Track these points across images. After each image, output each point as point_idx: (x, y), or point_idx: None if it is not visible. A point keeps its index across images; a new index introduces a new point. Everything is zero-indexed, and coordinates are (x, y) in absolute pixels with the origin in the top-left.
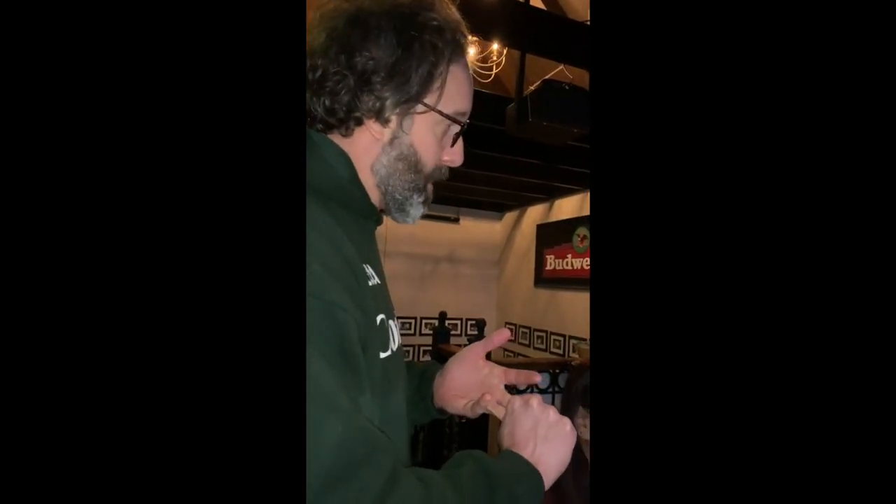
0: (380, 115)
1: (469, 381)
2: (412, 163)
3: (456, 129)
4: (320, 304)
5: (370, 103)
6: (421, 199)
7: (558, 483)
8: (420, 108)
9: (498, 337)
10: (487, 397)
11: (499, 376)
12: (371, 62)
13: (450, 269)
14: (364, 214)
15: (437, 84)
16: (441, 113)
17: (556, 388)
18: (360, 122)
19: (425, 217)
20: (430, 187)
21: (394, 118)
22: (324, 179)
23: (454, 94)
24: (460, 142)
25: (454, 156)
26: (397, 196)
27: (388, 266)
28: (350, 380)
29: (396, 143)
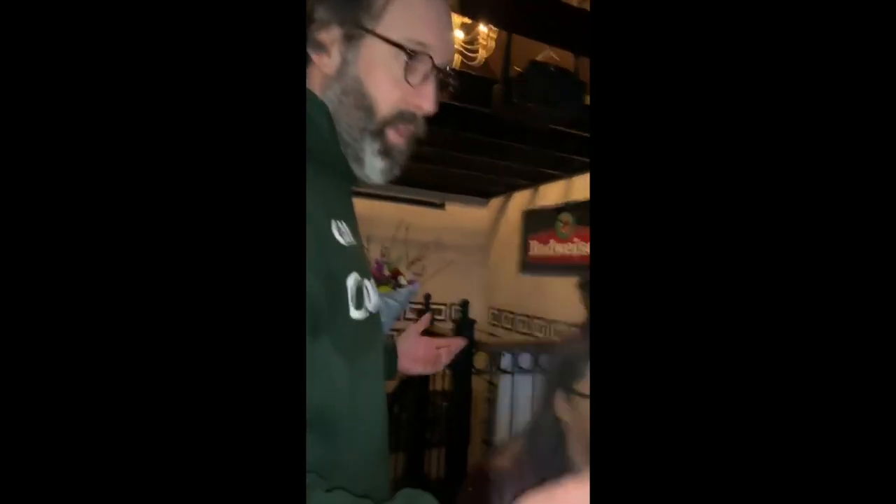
0: (319, 45)
1: (424, 351)
2: (359, 99)
3: (424, 65)
4: None
5: (310, 32)
6: (377, 148)
7: (539, 461)
8: (365, 36)
9: (422, 322)
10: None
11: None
12: None
13: (435, 256)
14: (332, 164)
15: (379, 3)
16: (384, 38)
17: (538, 368)
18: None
19: (411, 202)
20: (392, 137)
21: (336, 47)
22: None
23: (405, 19)
24: (431, 84)
25: (422, 99)
26: (346, 137)
27: (374, 252)
28: None
29: (342, 75)
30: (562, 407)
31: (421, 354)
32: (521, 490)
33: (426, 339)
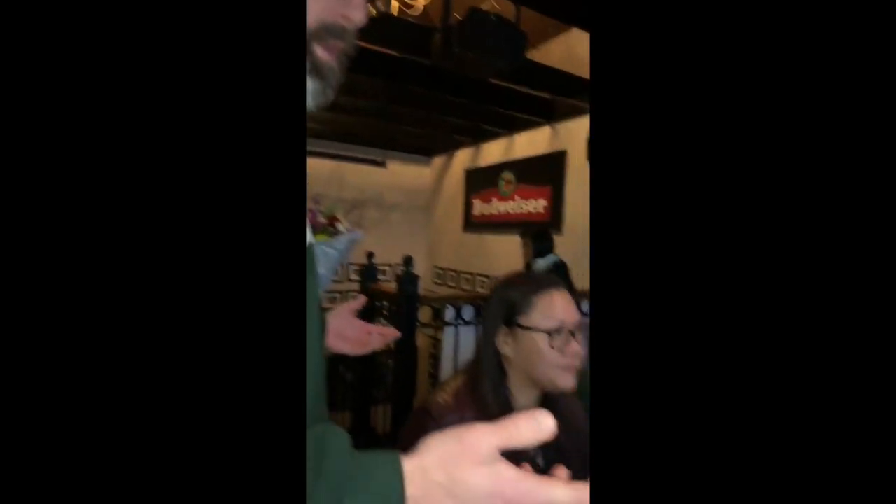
0: None
1: (354, 332)
2: None
3: None
4: None
5: None
6: (306, 66)
7: (480, 395)
8: None
9: (357, 302)
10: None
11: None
12: None
13: (377, 215)
14: None
15: None
16: None
17: (480, 320)
18: None
19: (351, 160)
20: (320, 53)
21: None
22: None
23: None
24: None
25: (349, 8)
26: None
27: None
28: None
29: None
30: (504, 342)
31: (350, 335)
32: (461, 423)
33: (358, 321)
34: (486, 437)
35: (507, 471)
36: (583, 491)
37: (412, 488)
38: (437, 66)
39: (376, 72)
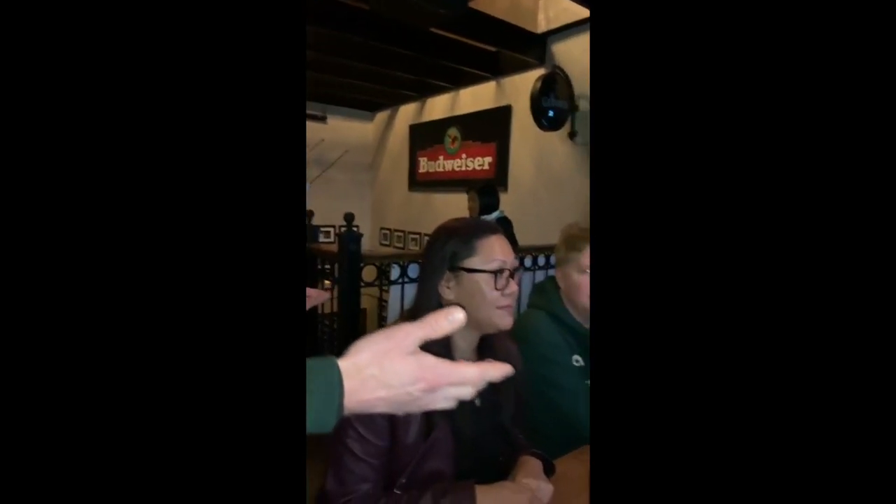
0: None
1: None
2: None
3: None
4: None
5: None
6: None
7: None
8: None
9: None
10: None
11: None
12: None
13: (318, 173)
14: None
15: None
16: None
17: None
18: None
19: None
20: None
21: None
22: None
23: None
24: None
25: None
26: None
27: None
28: None
29: None
30: (446, 287)
31: None
32: None
33: None
34: (411, 333)
35: (428, 359)
36: (487, 368)
37: (349, 382)
38: (376, 11)
39: (311, 19)
